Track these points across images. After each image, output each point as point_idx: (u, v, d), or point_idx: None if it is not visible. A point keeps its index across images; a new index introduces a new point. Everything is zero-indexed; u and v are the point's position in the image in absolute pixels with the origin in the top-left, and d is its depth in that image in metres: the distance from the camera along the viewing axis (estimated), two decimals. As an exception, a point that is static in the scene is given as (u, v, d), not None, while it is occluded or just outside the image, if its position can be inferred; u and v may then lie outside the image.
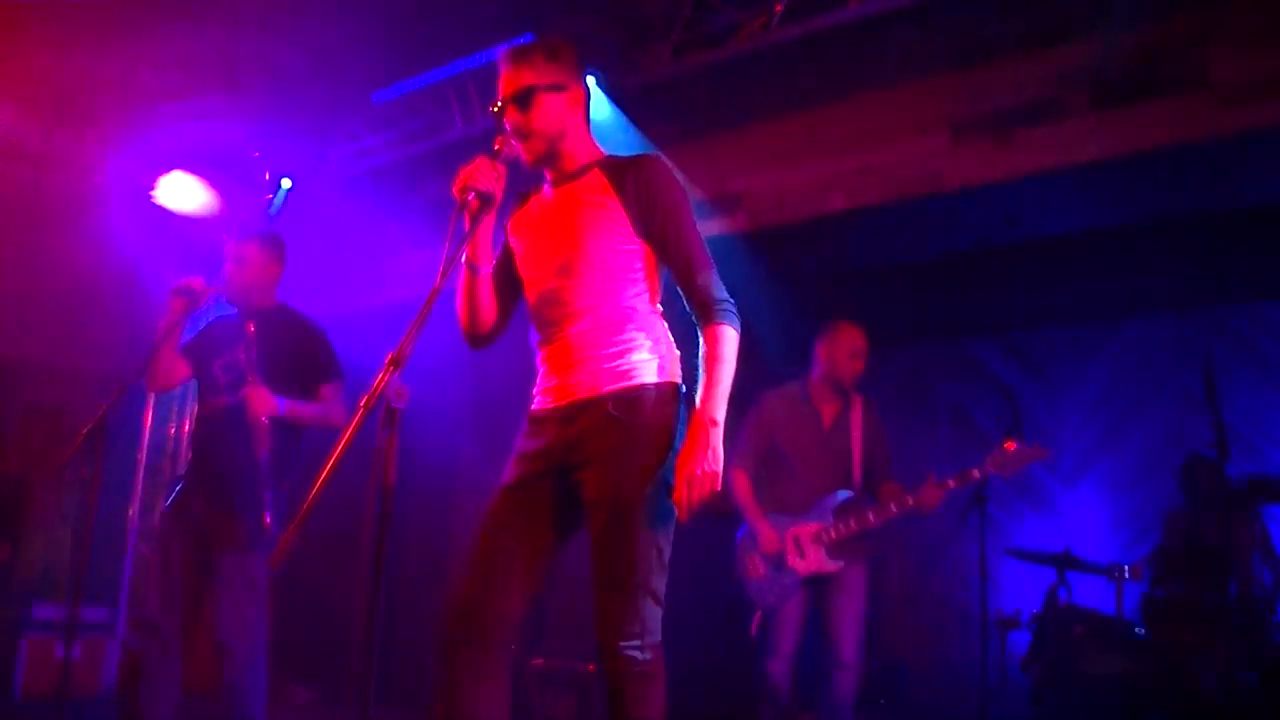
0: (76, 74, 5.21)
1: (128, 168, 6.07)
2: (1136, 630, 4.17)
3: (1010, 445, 3.89)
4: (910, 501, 3.84)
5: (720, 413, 2.22)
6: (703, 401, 2.22)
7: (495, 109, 2.36)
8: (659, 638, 2.23)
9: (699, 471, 2.15)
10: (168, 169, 6.09)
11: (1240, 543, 4.40)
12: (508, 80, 2.35)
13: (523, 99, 2.32)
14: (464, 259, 2.36)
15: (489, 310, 2.44)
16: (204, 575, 3.45)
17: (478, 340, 2.47)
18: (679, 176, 2.38)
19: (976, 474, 3.87)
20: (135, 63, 5.10)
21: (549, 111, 2.33)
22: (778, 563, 3.95)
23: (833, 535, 3.91)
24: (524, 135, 2.33)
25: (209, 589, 3.44)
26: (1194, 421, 4.47)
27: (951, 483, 3.86)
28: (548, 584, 2.34)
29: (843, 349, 4.02)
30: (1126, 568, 4.30)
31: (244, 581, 3.40)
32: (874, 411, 4.12)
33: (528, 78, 2.32)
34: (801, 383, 4.13)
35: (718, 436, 2.19)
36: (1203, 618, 4.11)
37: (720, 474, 2.18)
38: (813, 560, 3.92)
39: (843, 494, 3.98)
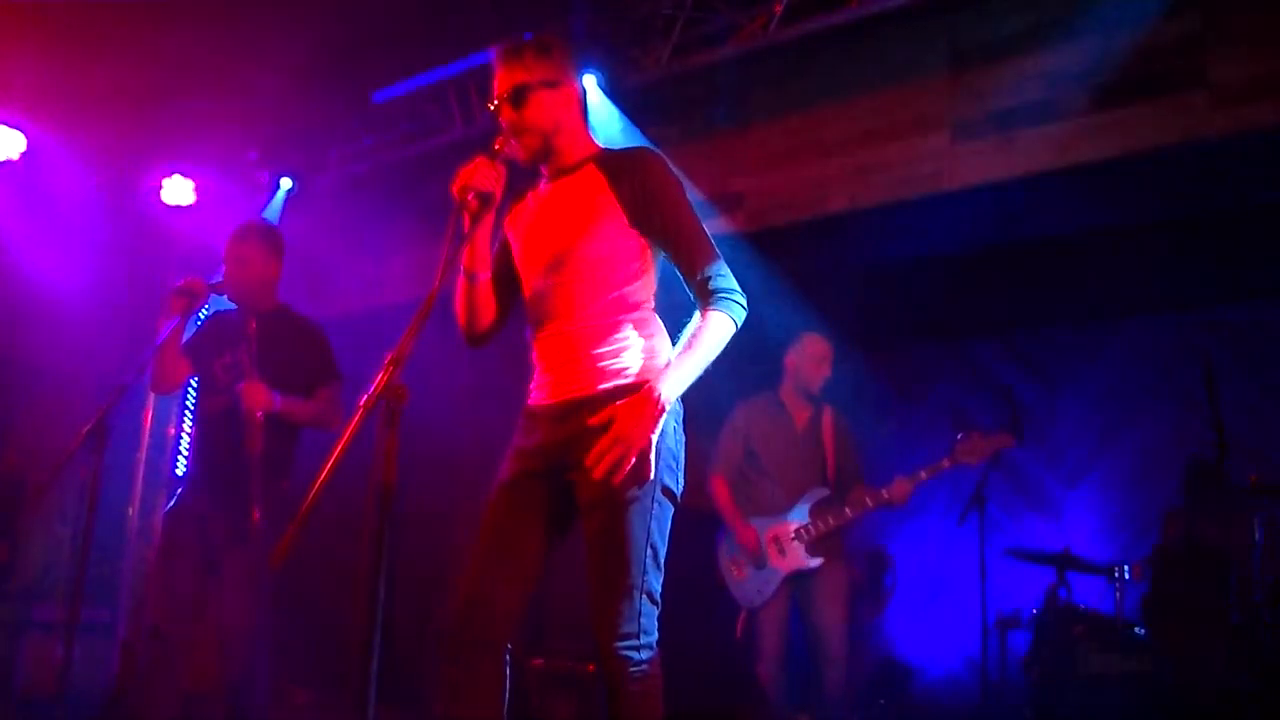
0: (76, 75, 5.21)
1: (128, 168, 6.07)
2: (1136, 630, 4.17)
3: (976, 434, 4.07)
4: (885, 495, 4.03)
5: (673, 390, 2.17)
6: (663, 373, 2.18)
7: (491, 107, 2.36)
8: (656, 637, 2.23)
9: (630, 434, 2.08)
10: (168, 169, 6.09)
11: (1239, 543, 4.39)
12: (501, 79, 2.35)
13: (516, 97, 2.32)
14: (462, 267, 2.36)
15: (487, 311, 2.45)
16: (207, 574, 3.46)
17: (476, 339, 2.48)
18: (673, 168, 2.38)
19: (946, 463, 4.06)
20: (135, 63, 5.10)
21: (543, 108, 2.33)
22: (759, 563, 4.08)
23: (812, 532, 4.08)
24: (519, 132, 2.33)
25: (212, 588, 3.45)
26: (1194, 421, 4.46)
27: (924, 474, 4.04)
28: (546, 582, 2.35)
29: (809, 357, 4.27)
30: (1126, 568, 4.31)
31: (246, 580, 3.41)
32: (844, 421, 4.34)
33: (520, 75, 2.33)
34: (774, 392, 4.34)
35: (657, 410, 2.13)
36: (1203, 618, 4.11)
37: (650, 446, 2.12)
38: (794, 558, 4.08)
39: (819, 492, 4.16)
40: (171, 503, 3.66)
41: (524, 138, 2.34)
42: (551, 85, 2.35)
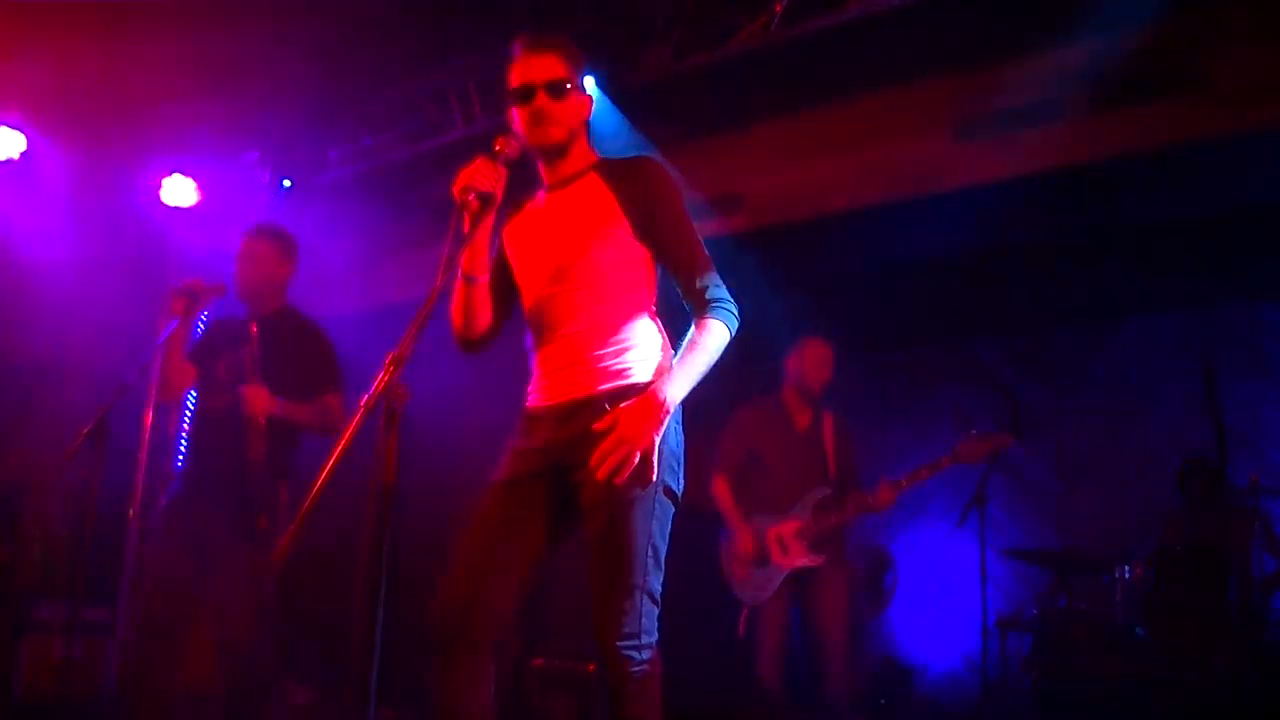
0: (77, 74, 5.21)
1: (127, 168, 6.06)
2: (1136, 630, 4.17)
3: (976, 435, 4.10)
4: (869, 500, 4.06)
5: (675, 393, 2.18)
6: (667, 377, 2.19)
7: (519, 88, 2.31)
8: (656, 637, 2.23)
9: (633, 436, 2.10)
10: (168, 169, 6.08)
11: (1239, 543, 4.39)
12: (537, 65, 2.32)
13: (557, 88, 2.31)
14: (460, 270, 2.35)
15: (483, 316, 2.44)
16: (204, 574, 3.45)
17: (471, 345, 2.47)
18: (675, 176, 2.38)
19: (946, 462, 4.07)
20: (135, 63, 5.10)
21: (572, 108, 2.35)
22: (762, 560, 4.11)
23: (814, 530, 4.11)
24: (548, 122, 2.31)
25: (210, 588, 3.44)
26: (1194, 421, 4.47)
27: (925, 472, 4.05)
28: (541, 583, 2.34)
29: (810, 360, 4.31)
30: (1126, 568, 4.31)
31: (246, 580, 3.40)
32: (845, 427, 4.37)
33: (560, 70, 2.33)
34: (775, 394, 4.39)
35: (661, 413, 2.15)
36: (1203, 618, 4.11)
37: (653, 448, 2.13)
38: (796, 555, 4.12)
39: (821, 490, 4.19)
40: (168, 500, 3.64)
41: (551, 129, 2.32)
42: (580, 90, 2.37)
